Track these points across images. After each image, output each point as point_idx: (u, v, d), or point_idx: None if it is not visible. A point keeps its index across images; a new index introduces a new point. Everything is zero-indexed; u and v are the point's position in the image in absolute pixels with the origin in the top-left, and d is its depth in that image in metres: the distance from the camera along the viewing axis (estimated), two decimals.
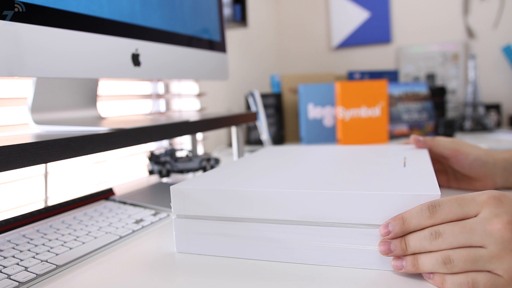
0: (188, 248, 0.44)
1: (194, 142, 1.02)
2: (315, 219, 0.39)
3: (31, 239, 0.47)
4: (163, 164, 0.81)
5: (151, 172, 0.82)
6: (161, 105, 1.20)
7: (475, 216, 0.33)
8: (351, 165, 0.51)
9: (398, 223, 0.35)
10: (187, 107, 1.27)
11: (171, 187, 0.44)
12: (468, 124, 1.47)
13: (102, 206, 0.61)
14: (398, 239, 0.35)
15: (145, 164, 0.85)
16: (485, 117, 1.47)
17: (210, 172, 0.51)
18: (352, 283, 0.35)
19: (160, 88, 1.19)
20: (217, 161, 0.83)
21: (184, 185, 0.44)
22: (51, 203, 0.73)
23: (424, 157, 0.53)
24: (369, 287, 0.34)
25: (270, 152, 0.65)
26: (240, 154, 0.93)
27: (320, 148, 0.67)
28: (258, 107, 1.16)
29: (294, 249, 0.40)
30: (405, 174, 0.43)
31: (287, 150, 0.67)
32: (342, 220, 0.38)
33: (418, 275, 0.36)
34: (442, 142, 0.58)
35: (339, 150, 0.63)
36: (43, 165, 0.70)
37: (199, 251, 0.44)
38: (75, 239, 0.47)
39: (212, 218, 0.43)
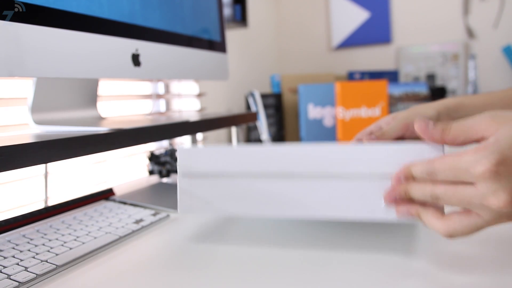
0: (191, 208, 0.44)
1: (194, 142, 1.02)
2: (323, 172, 0.40)
3: (31, 239, 0.47)
4: (163, 164, 0.81)
5: (151, 172, 0.82)
6: (161, 105, 1.20)
7: (472, 184, 0.32)
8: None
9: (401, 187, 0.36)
10: (187, 107, 1.27)
11: (179, 148, 0.45)
12: None
13: (102, 206, 0.61)
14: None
15: (145, 164, 0.85)
16: None
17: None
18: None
19: (160, 88, 1.19)
20: None
21: (191, 147, 0.45)
22: (51, 203, 0.73)
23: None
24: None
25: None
26: None
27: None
28: (258, 107, 1.16)
29: (304, 204, 0.40)
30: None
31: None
32: (351, 171, 0.39)
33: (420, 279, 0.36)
34: (389, 129, 0.54)
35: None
36: (43, 165, 0.70)
37: (202, 210, 0.44)
38: (75, 239, 0.47)
39: (218, 175, 0.43)
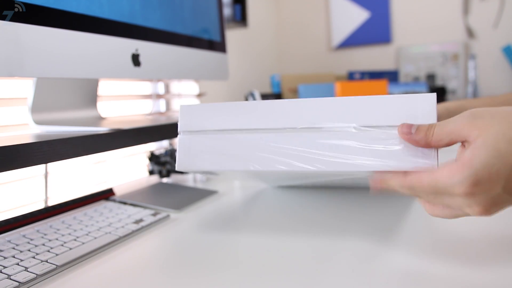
0: (190, 164, 0.44)
1: None
2: (320, 124, 0.40)
3: (31, 239, 0.47)
4: (163, 164, 0.81)
5: (151, 172, 0.82)
6: (161, 105, 1.20)
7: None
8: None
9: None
10: None
11: (181, 105, 0.45)
12: None
13: (102, 206, 0.61)
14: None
15: (145, 164, 0.85)
16: None
17: None
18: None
19: (160, 88, 1.19)
20: None
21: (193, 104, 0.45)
22: (51, 203, 0.73)
23: None
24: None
25: None
26: None
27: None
28: None
29: (304, 157, 0.40)
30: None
31: None
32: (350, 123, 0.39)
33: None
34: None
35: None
36: (43, 165, 0.70)
37: (202, 167, 0.44)
38: (75, 239, 0.47)
39: (220, 130, 0.43)
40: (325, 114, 0.40)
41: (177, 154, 0.45)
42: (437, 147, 0.37)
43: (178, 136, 0.45)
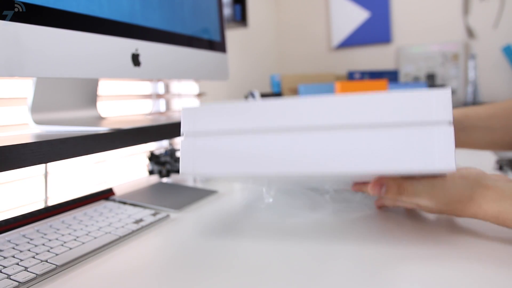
0: (193, 168, 0.43)
1: None
2: (330, 124, 0.39)
3: (31, 239, 0.47)
4: (163, 164, 0.81)
5: (151, 172, 0.82)
6: (161, 105, 1.20)
7: None
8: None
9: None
10: None
11: (183, 108, 0.44)
12: None
13: (102, 206, 0.61)
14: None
15: (145, 164, 0.85)
16: None
17: None
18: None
19: (160, 88, 1.19)
20: None
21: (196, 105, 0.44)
22: (51, 203, 0.73)
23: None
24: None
25: None
26: None
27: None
28: None
29: (311, 158, 0.39)
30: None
31: None
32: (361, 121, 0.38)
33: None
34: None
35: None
36: (43, 165, 0.70)
37: (205, 170, 0.43)
38: (75, 239, 0.47)
39: (224, 132, 0.42)
40: (337, 113, 0.39)
41: (181, 158, 0.43)
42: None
43: (181, 139, 0.43)
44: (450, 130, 0.35)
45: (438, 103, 0.36)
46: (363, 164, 0.37)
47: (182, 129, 0.44)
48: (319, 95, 0.40)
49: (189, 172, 0.43)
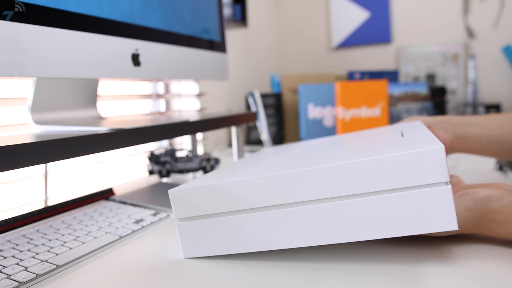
0: (195, 251, 0.42)
1: (194, 142, 1.02)
2: (317, 197, 0.37)
3: (31, 239, 0.47)
4: (163, 164, 0.81)
5: (151, 172, 0.82)
6: (161, 105, 1.20)
7: None
8: (349, 144, 0.51)
9: None
10: (187, 107, 1.27)
11: (169, 191, 0.43)
12: None
13: (102, 206, 0.61)
14: None
15: (145, 164, 0.85)
16: None
17: (207, 174, 0.51)
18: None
19: (160, 88, 1.19)
20: (217, 161, 0.83)
21: (182, 187, 0.43)
22: (51, 203, 0.73)
23: (419, 126, 0.52)
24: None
25: (270, 150, 0.65)
26: (240, 154, 0.93)
27: (320, 139, 0.67)
28: (258, 107, 1.16)
29: (302, 230, 0.38)
30: (406, 141, 0.42)
31: (288, 146, 0.67)
32: (355, 191, 0.36)
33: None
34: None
35: (339, 137, 0.63)
36: (43, 165, 0.70)
37: (207, 253, 0.42)
38: (75, 239, 0.47)
39: (215, 215, 0.41)
40: (327, 185, 0.37)
41: (181, 243, 0.43)
42: None
43: (176, 222, 0.43)
44: (448, 189, 0.34)
45: (433, 164, 0.34)
46: (361, 234, 0.37)
47: (174, 212, 0.43)
48: (302, 169, 0.38)
49: (192, 255, 0.43)
